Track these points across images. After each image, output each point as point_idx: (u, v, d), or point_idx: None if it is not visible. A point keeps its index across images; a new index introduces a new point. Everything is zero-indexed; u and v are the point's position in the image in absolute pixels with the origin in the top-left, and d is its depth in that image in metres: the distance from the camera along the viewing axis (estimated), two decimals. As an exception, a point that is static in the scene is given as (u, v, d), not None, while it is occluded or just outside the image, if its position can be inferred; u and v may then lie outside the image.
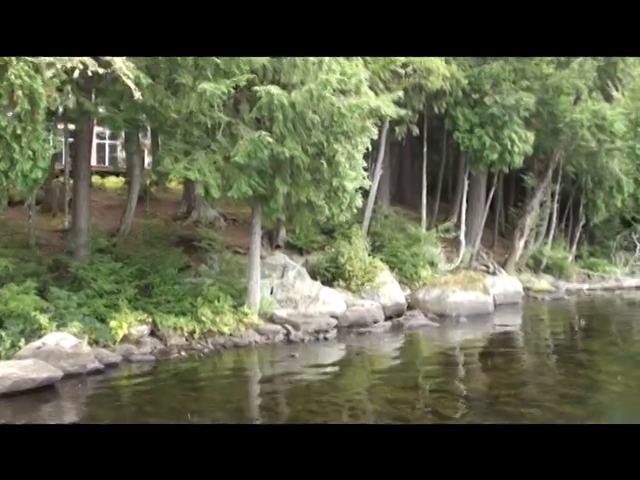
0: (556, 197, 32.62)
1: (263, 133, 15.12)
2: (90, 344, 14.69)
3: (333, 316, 19.47)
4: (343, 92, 16.08)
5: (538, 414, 11.93)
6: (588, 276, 33.59)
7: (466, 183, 28.61)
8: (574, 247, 34.67)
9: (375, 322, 20.28)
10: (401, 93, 18.51)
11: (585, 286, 31.90)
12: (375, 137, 17.43)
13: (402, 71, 22.25)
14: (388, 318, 21.02)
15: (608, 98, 31.47)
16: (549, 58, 26.57)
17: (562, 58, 27.70)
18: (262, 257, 19.57)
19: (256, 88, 15.23)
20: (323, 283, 21.06)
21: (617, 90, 32.41)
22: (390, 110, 16.85)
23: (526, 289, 28.28)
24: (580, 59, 27.75)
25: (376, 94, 17.94)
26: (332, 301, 20.08)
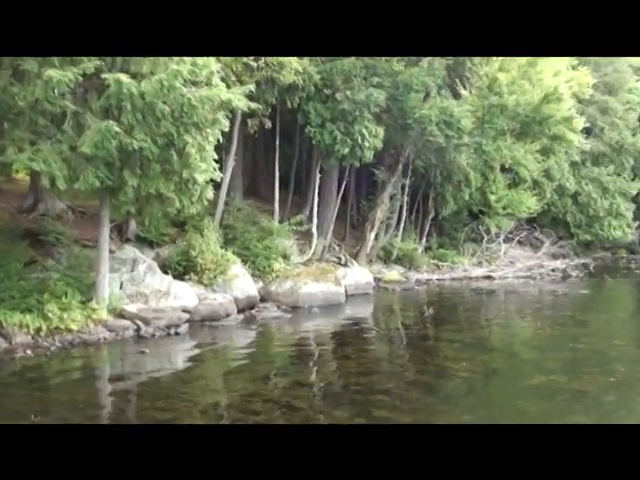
0: (406, 190, 33.37)
1: (111, 123, 14.76)
2: None
3: (185, 310, 19.21)
4: (194, 83, 15.90)
5: (386, 400, 12.26)
6: (437, 267, 34.47)
7: (318, 177, 28.87)
8: (424, 239, 35.57)
9: (228, 315, 20.20)
10: (253, 86, 18.45)
11: (434, 276, 32.70)
12: (226, 129, 17.33)
13: (254, 64, 22.21)
14: (241, 311, 20.97)
15: (456, 95, 32.53)
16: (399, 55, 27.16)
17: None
18: (111, 251, 19.10)
19: (104, 76, 14.85)
20: (175, 277, 20.77)
21: (465, 88, 33.57)
22: (241, 103, 16.75)
23: (377, 280, 28.79)
24: (429, 57, 28.52)
25: (228, 86, 17.83)
26: (184, 295, 19.82)
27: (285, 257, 25.61)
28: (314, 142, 26.75)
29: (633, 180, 46.05)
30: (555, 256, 40.86)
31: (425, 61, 28.24)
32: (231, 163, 24.81)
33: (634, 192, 45.37)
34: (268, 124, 24.95)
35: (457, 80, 33.40)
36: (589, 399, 12.97)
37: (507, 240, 38.79)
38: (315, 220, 28.83)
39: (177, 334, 18.03)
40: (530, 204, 36.64)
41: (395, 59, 27.25)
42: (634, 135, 46.02)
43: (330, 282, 23.97)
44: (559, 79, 35.99)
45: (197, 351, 17.27)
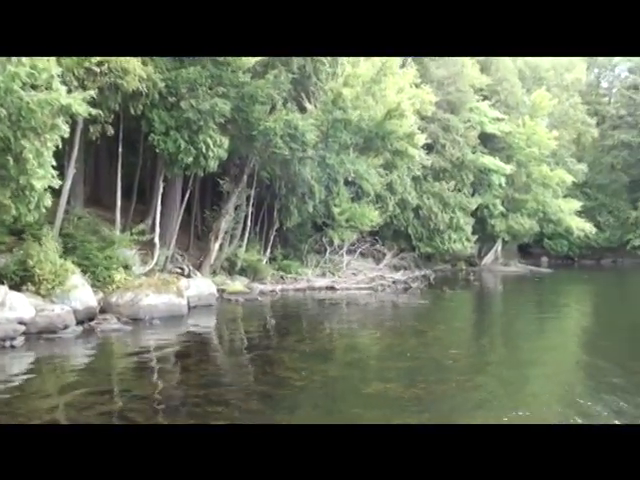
0: (251, 201, 33.54)
1: (-58, 126, 14.15)
2: None
3: (21, 322, 18.45)
4: (33, 86, 15.44)
5: (225, 412, 12.23)
6: (282, 277, 34.76)
7: (161, 185, 28.49)
8: (268, 250, 35.80)
9: (66, 327, 19.55)
10: (95, 92, 18.06)
11: (278, 287, 32.92)
12: (67, 135, 16.91)
13: (97, 69, 21.72)
14: (80, 323, 20.35)
15: (302, 109, 32.98)
16: (245, 67, 27.29)
17: (258, 68, 28.63)
18: (-58, 260, 18.24)
19: (-64, 76, 14.22)
20: (11, 287, 19.90)
21: (310, 102, 34.10)
22: (82, 108, 16.43)
23: (221, 291, 28.74)
24: (275, 71, 28.81)
25: (70, 91, 17.39)
26: (20, 306, 19.02)
27: (127, 267, 25.10)
28: (158, 150, 26.41)
29: (473, 195, 48.36)
30: (397, 268, 41.98)
31: (271, 74, 28.49)
32: (72, 170, 24.09)
33: (473, 207, 47.62)
34: (111, 131, 24.39)
35: (303, 94, 33.92)
36: (422, 406, 13.33)
37: (350, 252, 39.66)
38: (158, 230, 28.41)
39: (12, 347, 17.35)
40: (373, 217, 37.67)
41: (241, 70, 27.33)
42: (474, 152, 48.14)
43: (172, 293, 23.70)
44: (402, 96, 37.15)
45: (33, 365, 16.64)
